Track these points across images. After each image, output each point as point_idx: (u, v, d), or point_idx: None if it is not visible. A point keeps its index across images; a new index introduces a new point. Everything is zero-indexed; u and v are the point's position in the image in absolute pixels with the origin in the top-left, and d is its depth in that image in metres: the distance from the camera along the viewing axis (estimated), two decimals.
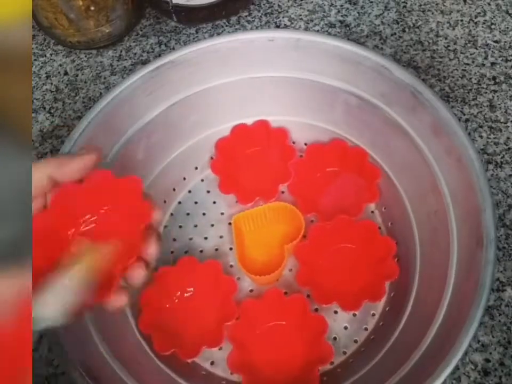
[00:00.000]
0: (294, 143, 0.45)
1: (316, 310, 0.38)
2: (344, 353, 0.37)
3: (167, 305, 0.39)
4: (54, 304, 0.23)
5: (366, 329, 0.38)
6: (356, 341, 0.38)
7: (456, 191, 0.35)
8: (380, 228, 0.41)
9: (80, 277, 0.24)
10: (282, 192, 0.43)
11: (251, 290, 0.40)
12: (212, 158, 0.45)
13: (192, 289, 0.39)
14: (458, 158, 0.34)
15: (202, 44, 0.39)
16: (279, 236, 0.41)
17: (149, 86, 0.39)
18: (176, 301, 0.39)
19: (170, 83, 0.40)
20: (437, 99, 0.36)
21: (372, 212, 0.43)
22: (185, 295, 0.39)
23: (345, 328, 0.38)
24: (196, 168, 0.45)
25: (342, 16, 0.54)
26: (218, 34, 0.53)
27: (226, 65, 0.41)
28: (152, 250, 0.27)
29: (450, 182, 0.35)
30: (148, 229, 0.27)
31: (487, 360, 0.36)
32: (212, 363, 0.37)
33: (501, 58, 0.50)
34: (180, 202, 0.44)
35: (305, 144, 0.45)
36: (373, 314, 0.38)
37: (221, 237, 0.42)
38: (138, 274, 0.27)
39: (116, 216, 0.28)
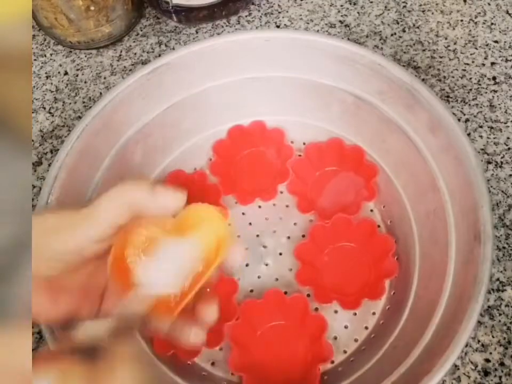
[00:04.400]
0: (292, 142, 0.45)
1: (316, 309, 0.38)
2: (345, 352, 0.37)
3: None
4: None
5: (366, 328, 0.38)
6: (356, 340, 0.37)
7: (454, 189, 0.35)
8: (379, 226, 0.41)
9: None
10: (281, 192, 0.43)
11: (251, 291, 0.40)
12: (210, 159, 0.45)
13: None
14: (455, 155, 0.34)
15: (197, 45, 0.39)
16: None
17: (145, 89, 0.39)
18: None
19: (166, 85, 0.40)
20: (434, 97, 0.35)
21: (371, 210, 0.43)
22: None
23: (346, 327, 0.38)
24: (195, 169, 0.45)
25: (342, 16, 0.54)
26: (218, 34, 0.53)
27: (222, 66, 0.41)
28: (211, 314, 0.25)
29: (448, 180, 0.35)
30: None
31: (487, 360, 0.36)
32: (213, 364, 0.37)
33: (501, 58, 0.50)
34: None
35: (304, 143, 0.45)
36: (373, 313, 0.38)
37: None
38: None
39: None
